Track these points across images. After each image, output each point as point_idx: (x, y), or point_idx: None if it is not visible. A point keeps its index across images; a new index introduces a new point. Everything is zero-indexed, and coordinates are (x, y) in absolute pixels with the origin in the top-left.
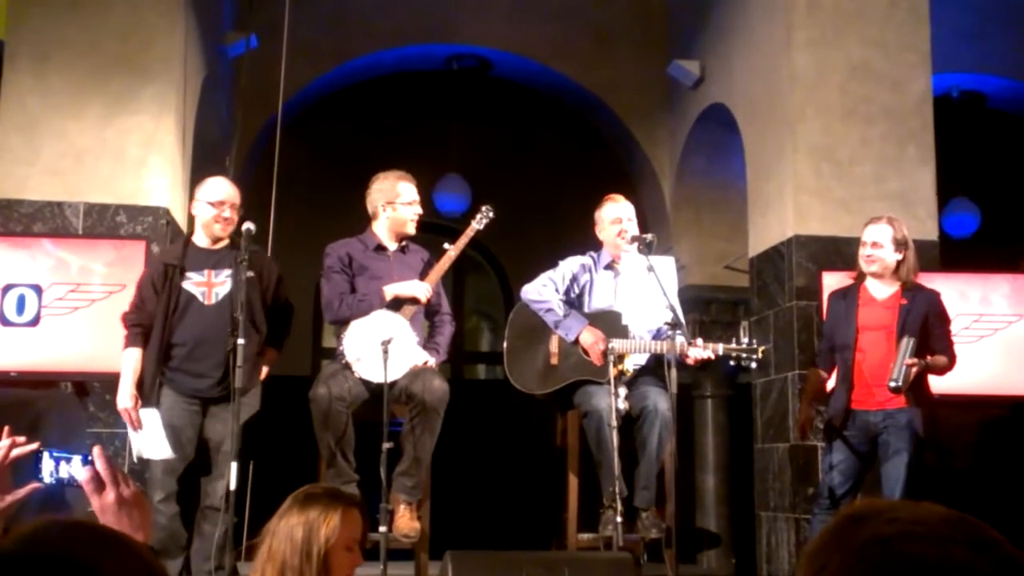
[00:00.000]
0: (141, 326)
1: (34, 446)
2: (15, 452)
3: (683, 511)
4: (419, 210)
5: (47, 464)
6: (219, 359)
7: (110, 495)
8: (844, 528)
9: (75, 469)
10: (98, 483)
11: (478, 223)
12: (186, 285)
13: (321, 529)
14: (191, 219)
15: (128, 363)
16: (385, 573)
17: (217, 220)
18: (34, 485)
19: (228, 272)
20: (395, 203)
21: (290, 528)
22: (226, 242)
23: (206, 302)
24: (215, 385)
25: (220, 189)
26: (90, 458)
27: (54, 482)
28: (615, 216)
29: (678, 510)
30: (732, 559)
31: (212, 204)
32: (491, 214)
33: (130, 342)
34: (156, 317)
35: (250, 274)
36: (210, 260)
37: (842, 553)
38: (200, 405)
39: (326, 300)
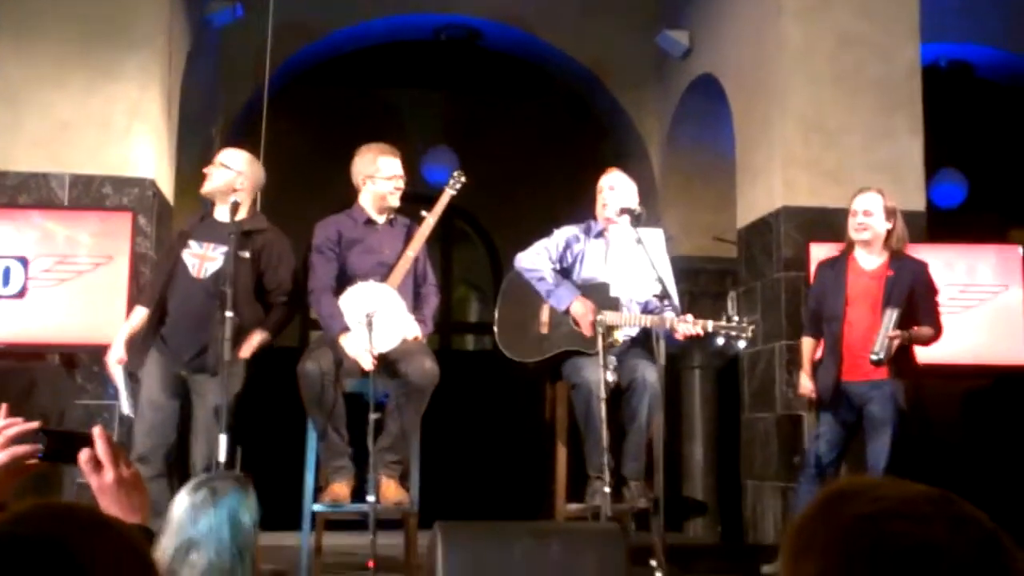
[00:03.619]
0: (151, 287)
1: (35, 424)
2: (15, 430)
3: (670, 480)
4: (400, 184)
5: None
6: (198, 333)
7: (108, 475)
8: (827, 506)
9: (72, 448)
10: (96, 463)
11: (451, 188)
12: (185, 254)
13: (244, 508)
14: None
15: (133, 317)
16: (375, 543)
17: (231, 186)
18: (36, 447)
19: (224, 249)
20: (375, 177)
21: (211, 516)
22: (243, 216)
23: (195, 275)
24: (192, 359)
25: (235, 159)
26: (89, 438)
27: (52, 458)
28: (599, 185)
29: (666, 480)
30: (718, 527)
31: (238, 172)
32: (463, 179)
33: (137, 300)
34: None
35: (244, 254)
36: (213, 234)
37: (825, 531)
38: (180, 380)
39: (310, 286)
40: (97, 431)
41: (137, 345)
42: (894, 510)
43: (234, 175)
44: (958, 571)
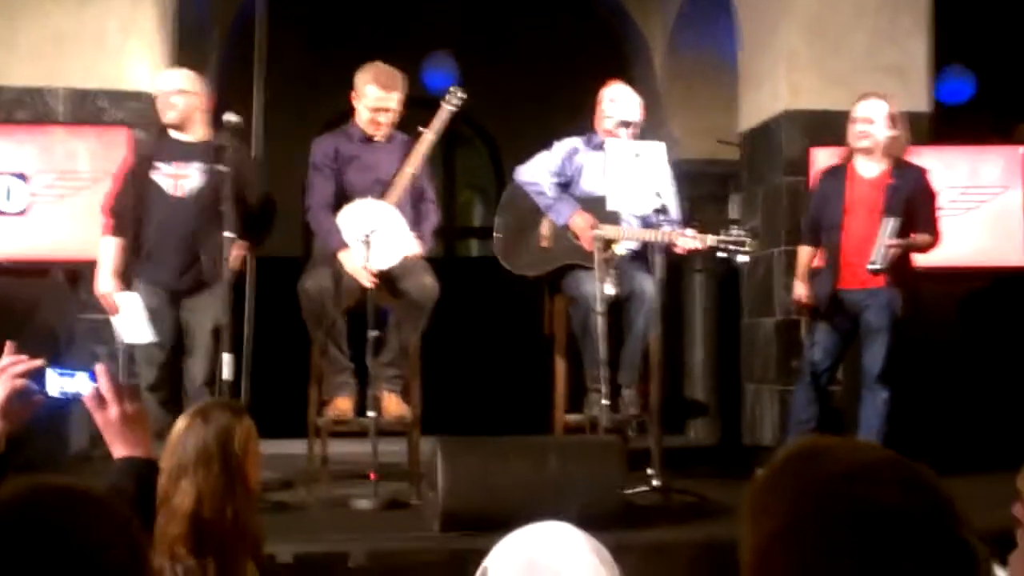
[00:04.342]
0: (119, 216)
1: (39, 362)
2: (21, 368)
3: (671, 383)
4: (383, 117)
5: (52, 379)
6: (182, 252)
7: (113, 411)
8: (783, 470)
9: (79, 384)
10: (101, 399)
11: (449, 104)
12: (155, 176)
13: (236, 435)
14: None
15: (106, 250)
16: (376, 457)
17: (165, 108)
18: (37, 400)
19: (197, 165)
20: (360, 100)
21: (200, 440)
22: (202, 134)
23: (172, 194)
24: (178, 277)
25: (160, 81)
26: (94, 374)
27: (60, 396)
28: (600, 96)
29: (665, 383)
30: (718, 427)
31: (158, 97)
32: (461, 94)
33: (105, 230)
34: (131, 207)
35: (221, 167)
36: (180, 152)
37: (780, 494)
38: (171, 296)
39: (308, 203)
40: (100, 368)
41: (121, 275)
42: (848, 473)
43: (195, 97)
44: (910, 533)
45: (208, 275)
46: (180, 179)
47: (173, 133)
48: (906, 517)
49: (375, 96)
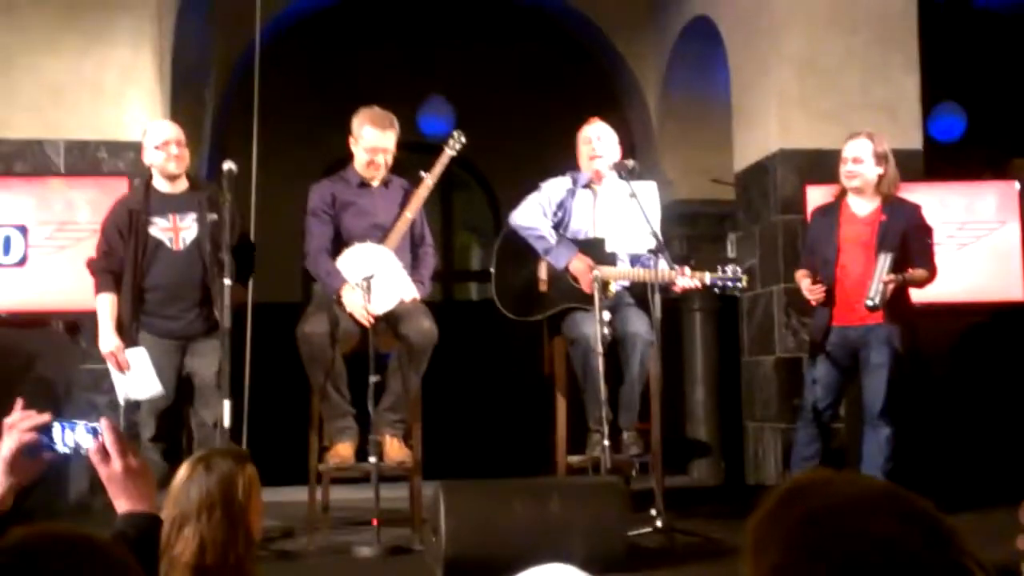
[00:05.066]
0: (111, 272)
1: (46, 417)
2: (29, 423)
3: (672, 423)
4: (380, 159)
5: (56, 435)
6: (192, 301)
7: (117, 465)
8: (782, 504)
9: (80, 437)
10: (105, 454)
11: (451, 149)
12: (152, 231)
13: (239, 482)
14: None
15: (104, 307)
16: (378, 502)
17: (168, 159)
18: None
19: (193, 216)
20: (358, 144)
21: (203, 488)
22: (186, 185)
23: (174, 247)
24: (189, 324)
25: (161, 130)
26: (97, 428)
27: (68, 451)
28: (586, 136)
29: (666, 423)
30: (721, 467)
31: (158, 147)
32: (463, 139)
33: (102, 287)
34: (126, 262)
35: (214, 216)
36: (173, 205)
37: (780, 526)
38: (178, 344)
39: (306, 249)
40: (104, 422)
41: (125, 328)
42: (846, 505)
43: (187, 149)
44: (909, 563)
45: (211, 322)
46: (181, 231)
47: (162, 185)
48: (904, 548)
49: (372, 137)
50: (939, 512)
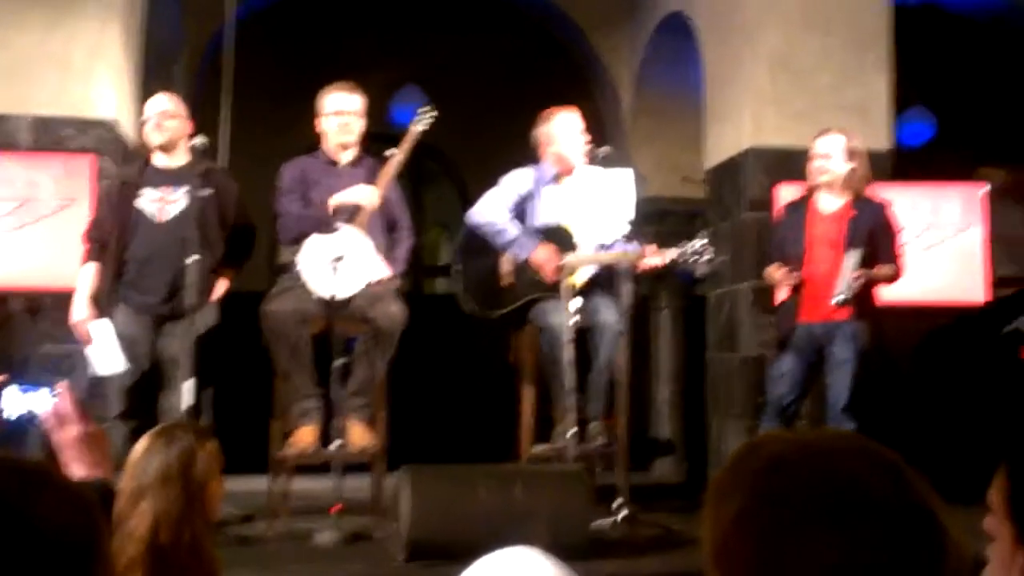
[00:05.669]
0: (98, 242)
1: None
2: None
3: (637, 420)
4: (347, 120)
5: (13, 398)
6: (167, 277)
7: (71, 431)
8: (746, 452)
9: (40, 401)
10: (59, 419)
11: (419, 124)
12: (140, 203)
13: (199, 458)
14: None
15: (83, 278)
16: (341, 487)
17: (155, 128)
18: None
19: (185, 189)
20: (320, 115)
21: (162, 462)
22: (185, 160)
23: (157, 219)
24: (163, 302)
25: (154, 103)
26: (55, 392)
27: (17, 418)
28: (551, 128)
29: (631, 420)
30: (684, 465)
31: (145, 120)
32: (431, 113)
33: (85, 257)
34: (113, 234)
35: (207, 191)
36: (167, 178)
37: (744, 474)
38: (152, 322)
39: (280, 223)
40: (61, 386)
41: (101, 302)
42: (811, 450)
43: (182, 121)
44: (877, 505)
45: (190, 301)
46: (167, 204)
47: (158, 158)
48: (871, 490)
49: (334, 100)
50: (905, 462)
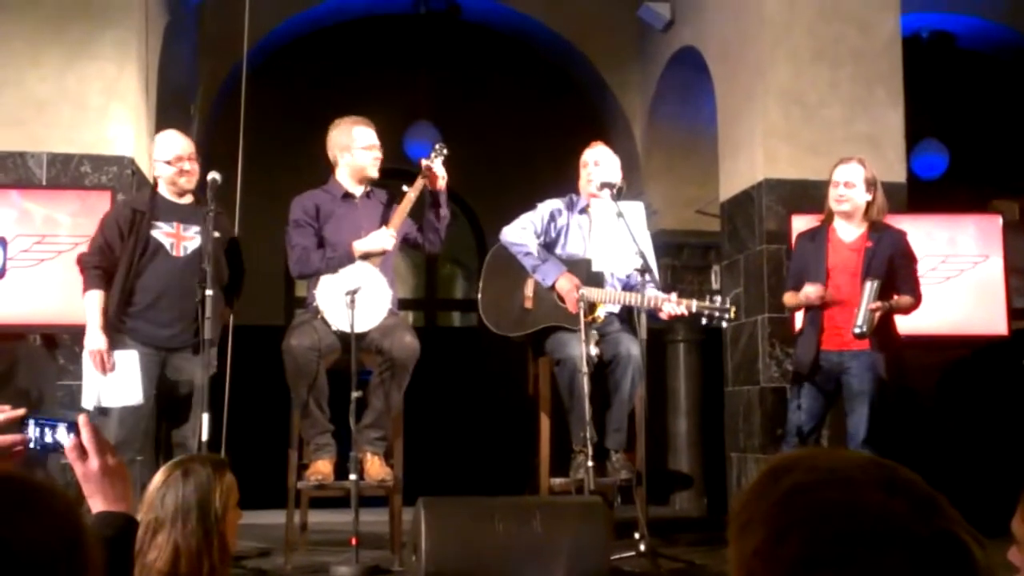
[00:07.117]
0: (102, 269)
1: (21, 412)
2: (1, 417)
3: (655, 454)
4: (378, 154)
5: (32, 431)
6: (183, 311)
7: (94, 463)
8: (766, 480)
9: (60, 436)
10: (81, 451)
11: (431, 161)
12: (155, 234)
13: (216, 490)
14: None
15: (93, 304)
16: (357, 520)
17: (180, 175)
18: (23, 437)
19: (197, 228)
20: (351, 149)
21: (179, 495)
22: (191, 198)
23: (174, 253)
24: (177, 335)
25: (174, 144)
26: (75, 426)
27: (39, 448)
28: (584, 160)
29: (650, 453)
30: (704, 500)
31: (170, 162)
32: (445, 151)
33: (92, 284)
34: (121, 261)
35: (216, 234)
36: (179, 214)
37: (764, 504)
38: (158, 355)
39: (295, 256)
40: (82, 419)
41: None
42: (831, 477)
43: (196, 164)
44: (897, 532)
45: (208, 335)
46: (183, 240)
47: (169, 195)
48: (891, 517)
49: (366, 135)
50: (922, 480)
